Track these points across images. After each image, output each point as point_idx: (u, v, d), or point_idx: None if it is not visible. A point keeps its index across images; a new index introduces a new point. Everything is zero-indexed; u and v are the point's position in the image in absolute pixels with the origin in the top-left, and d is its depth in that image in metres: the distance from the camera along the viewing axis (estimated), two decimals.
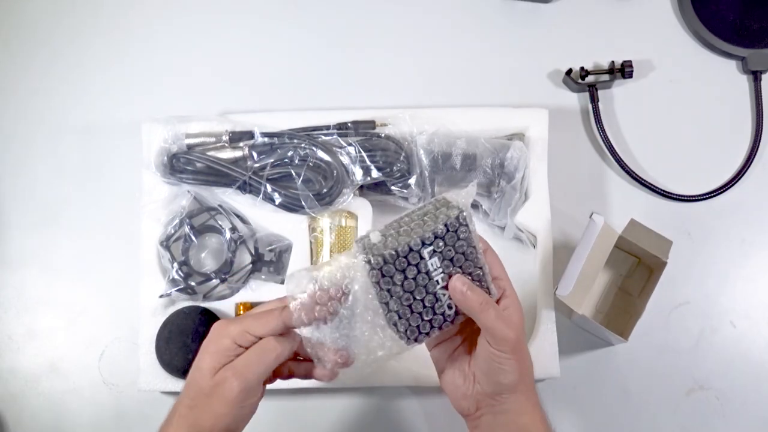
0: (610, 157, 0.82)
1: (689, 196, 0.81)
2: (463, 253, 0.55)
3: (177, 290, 0.74)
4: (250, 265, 0.75)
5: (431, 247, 0.54)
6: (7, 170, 0.84)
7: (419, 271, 0.54)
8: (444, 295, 0.56)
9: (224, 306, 0.75)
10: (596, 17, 0.87)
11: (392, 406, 0.77)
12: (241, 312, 0.75)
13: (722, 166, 0.83)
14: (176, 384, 0.74)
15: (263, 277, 0.76)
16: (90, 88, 0.86)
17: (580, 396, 0.77)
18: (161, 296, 0.74)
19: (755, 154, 0.82)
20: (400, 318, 0.55)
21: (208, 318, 0.73)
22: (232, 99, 0.84)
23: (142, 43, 0.87)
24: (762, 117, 0.83)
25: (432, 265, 0.55)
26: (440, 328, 0.57)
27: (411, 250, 0.54)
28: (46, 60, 0.87)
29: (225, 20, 0.88)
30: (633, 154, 0.83)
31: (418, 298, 0.55)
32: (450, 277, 0.55)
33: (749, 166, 0.82)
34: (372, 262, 0.53)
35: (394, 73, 0.86)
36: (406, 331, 0.56)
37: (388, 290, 0.54)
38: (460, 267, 0.55)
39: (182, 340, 0.72)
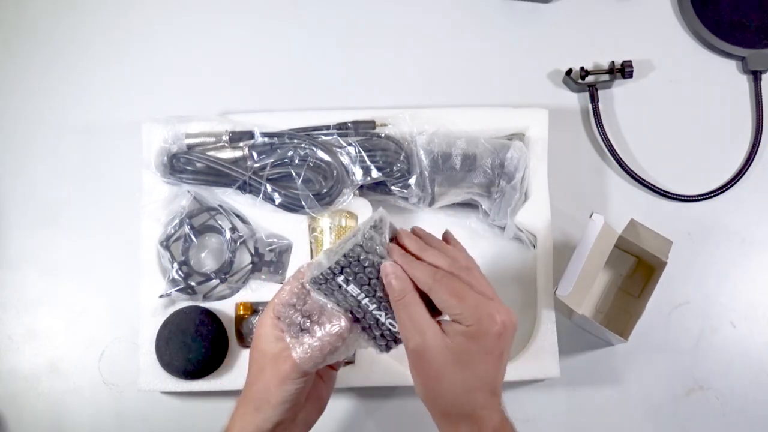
0: (610, 157, 0.82)
1: (689, 196, 0.81)
2: (376, 278, 0.55)
3: (177, 290, 0.74)
4: (250, 265, 0.75)
5: (342, 276, 0.55)
6: (7, 170, 0.84)
7: (345, 295, 0.56)
8: (381, 315, 0.56)
9: (224, 306, 0.75)
10: (596, 17, 0.87)
11: (391, 406, 0.77)
12: (241, 312, 0.75)
13: (722, 166, 0.83)
14: (176, 384, 0.74)
15: (263, 277, 0.76)
16: (90, 88, 0.86)
17: (580, 396, 0.77)
18: (161, 296, 0.74)
19: (755, 154, 0.82)
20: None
21: (208, 318, 0.73)
22: (232, 99, 0.84)
23: (142, 43, 0.87)
24: (762, 117, 0.83)
25: (352, 290, 0.56)
26: (396, 341, 0.58)
27: (326, 279, 0.56)
28: (46, 60, 0.87)
29: (225, 20, 0.88)
30: (633, 154, 0.83)
31: (359, 317, 0.57)
32: (380, 302, 0.56)
33: (749, 166, 0.82)
34: (309, 284, 0.57)
35: (394, 73, 0.86)
36: (370, 340, 0.58)
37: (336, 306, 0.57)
38: (382, 291, 0.55)
39: (182, 340, 0.72)
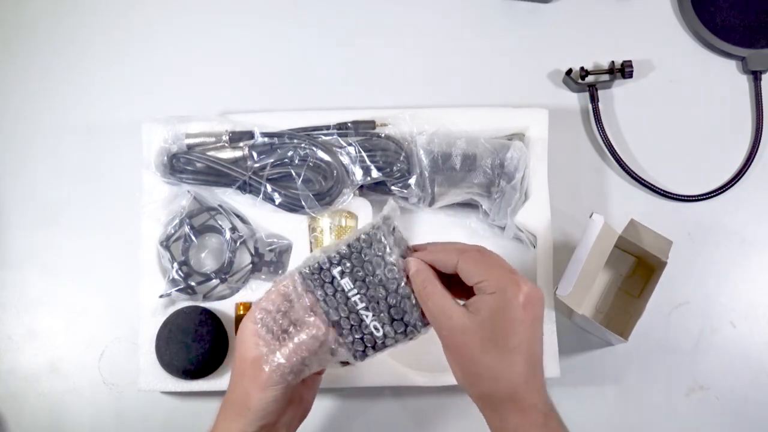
0: (610, 157, 0.82)
1: (689, 196, 0.81)
2: (373, 274, 0.55)
3: (177, 290, 0.74)
4: (250, 265, 0.75)
5: (339, 267, 0.55)
6: (7, 170, 0.84)
7: (336, 290, 0.55)
8: (367, 316, 0.55)
9: (224, 306, 0.75)
10: (596, 17, 0.87)
11: (390, 406, 0.77)
12: (241, 312, 0.75)
13: (722, 166, 0.83)
14: (176, 384, 0.74)
15: (263, 277, 0.76)
16: (90, 88, 0.86)
17: (580, 396, 0.77)
18: (161, 296, 0.74)
19: (755, 154, 0.82)
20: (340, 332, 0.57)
21: (208, 318, 0.74)
22: (232, 99, 0.84)
23: (142, 43, 0.87)
24: (762, 117, 0.83)
25: (345, 285, 0.55)
26: (374, 348, 0.56)
27: (321, 268, 0.55)
28: (46, 60, 0.87)
29: (225, 20, 0.88)
30: (633, 154, 0.83)
31: (343, 315, 0.56)
32: (370, 301, 0.55)
33: (749, 166, 0.82)
34: (298, 274, 0.56)
35: (394, 73, 0.86)
36: (344, 345, 0.57)
37: (318, 302, 0.56)
38: (376, 290, 0.55)
39: (182, 340, 0.72)
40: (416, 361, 0.74)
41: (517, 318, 0.52)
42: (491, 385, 0.53)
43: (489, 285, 0.53)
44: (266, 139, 0.76)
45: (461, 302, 0.54)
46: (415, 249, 0.58)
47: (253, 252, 0.75)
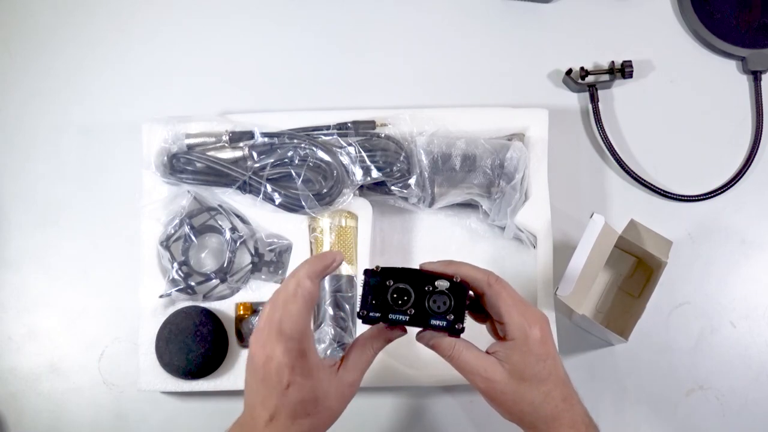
0: (610, 157, 0.82)
1: (689, 196, 0.81)
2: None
3: (177, 290, 0.74)
4: (250, 265, 0.75)
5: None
6: (7, 170, 0.84)
7: None
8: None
9: (224, 306, 0.75)
10: (596, 17, 0.87)
11: (390, 406, 0.77)
12: (241, 312, 0.75)
13: (722, 166, 0.83)
14: (176, 384, 0.74)
15: (263, 277, 0.76)
16: (90, 88, 0.86)
17: (580, 396, 0.77)
18: (161, 296, 0.74)
19: (755, 154, 0.82)
20: None
21: (208, 318, 0.74)
22: (232, 99, 0.84)
23: (142, 44, 0.87)
24: (762, 117, 0.83)
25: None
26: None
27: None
28: (46, 60, 0.87)
29: (225, 20, 0.88)
30: (633, 154, 0.83)
31: None
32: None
33: (749, 166, 0.82)
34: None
35: (395, 73, 0.86)
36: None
37: None
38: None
39: (182, 340, 0.72)
40: (416, 361, 0.74)
41: (540, 354, 0.56)
42: (535, 415, 0.57)
43: (510, 330, 0.56)
44: (266, 139, 0.76)
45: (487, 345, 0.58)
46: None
47: (253, 252, 0.75)
